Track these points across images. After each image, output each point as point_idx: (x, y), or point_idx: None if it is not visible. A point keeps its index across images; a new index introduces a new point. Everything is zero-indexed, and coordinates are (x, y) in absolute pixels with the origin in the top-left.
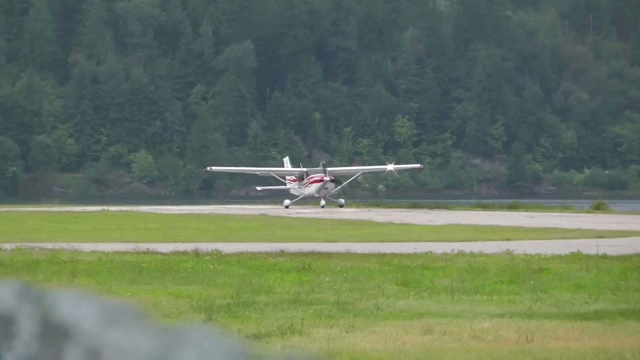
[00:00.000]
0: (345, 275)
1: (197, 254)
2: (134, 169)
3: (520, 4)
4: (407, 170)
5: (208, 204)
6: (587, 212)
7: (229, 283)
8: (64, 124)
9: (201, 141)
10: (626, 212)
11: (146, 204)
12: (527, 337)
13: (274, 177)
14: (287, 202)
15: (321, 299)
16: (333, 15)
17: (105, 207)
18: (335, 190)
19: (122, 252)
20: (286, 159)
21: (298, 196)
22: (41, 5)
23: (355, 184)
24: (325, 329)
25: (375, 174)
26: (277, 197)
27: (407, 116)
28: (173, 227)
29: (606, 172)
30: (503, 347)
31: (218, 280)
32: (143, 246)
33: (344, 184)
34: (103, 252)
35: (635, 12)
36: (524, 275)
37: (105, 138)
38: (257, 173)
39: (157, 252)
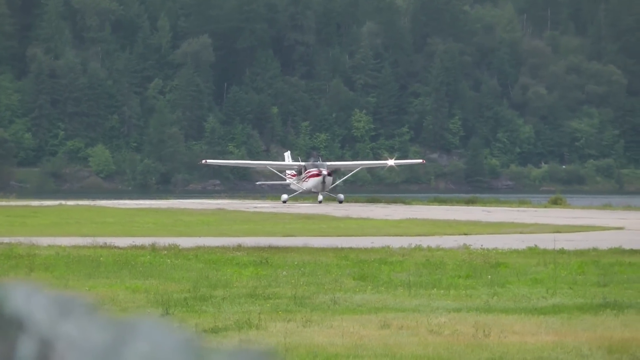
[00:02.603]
0: (302, 269)
1: (154, 248)
2: (91, 164)
3: None
4: (407, 165)
5: (166, 198)
6: (545, 206)
7: (186, 277)
8: (21, 118)
9: (159, 135)
10: (583, 207)
11: (104, 198)
12: (484, 331)
13: (272, 171)
14: (284, 197)
15: (278, 293)
16: (291, 10)
17: (63, 202)
18: (334, 185)
19: (80, 247)
20: (287, 154)
21: (297, 191)
22: None
23: None
24: (283, 323)
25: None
26: (277, 192)
27: (364, 111)
28: (130, 221)
29: (564, 167)
30: (460, 342)
31: (175, 274)
32: (100, 240)
33: (344, 179)
34: (60, 247)
35: (593, 7)
36: (481, 270)
37: (62, 132)
38: (254, 167)
39: (115, 247)
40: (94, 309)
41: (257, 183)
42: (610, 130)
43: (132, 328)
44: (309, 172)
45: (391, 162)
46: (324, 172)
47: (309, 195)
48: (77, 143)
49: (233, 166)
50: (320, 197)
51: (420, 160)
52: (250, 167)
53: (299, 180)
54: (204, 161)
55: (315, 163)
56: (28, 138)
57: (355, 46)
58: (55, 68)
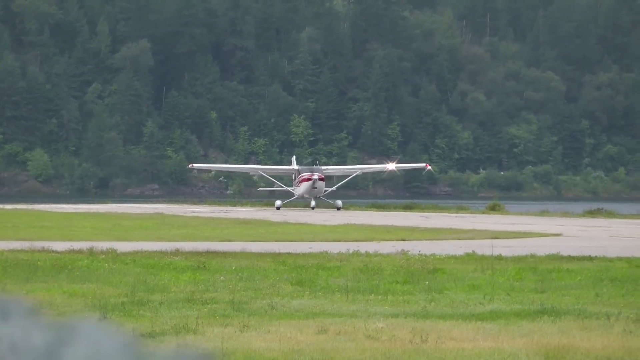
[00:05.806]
0: (240, 274)
1: (92, 252)
2: (30, 168)
3: (417, 5)
4: (410, 169)
5: (104, 202)
6: (483, 212)
7: (123, 282)
8: None
9: (97, 140)
10: (521, 213)
11: (42, 202)
12: (421, 337)
13: (264, 175)
14: (278, 202)
15: (216, 298)
16: (230, 15)
17: (0, 206)
18: (329, 191)
19: (17, 251)
20: (293, 159)
21: (293, 197)
22: None
23: (251, 184)
24: (220, 328)
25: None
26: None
27: (303, 116)
28: (68, 225)
29: (502, 173)
30: (397, 347)
31: (113, 279)
32: (38, 244)
33: (340, 184)
34: None
35: (532, 13)
36: (418, 276)
37: (0, 136)
38: (250, 172)
39: (52, 251)
40: (34, 311)
41: (259, 189)
42: (549, 136)
43: (72, 330)
44: (301, 176)
45: (392, 166)
46: (315, 176)
47: (303, 201)
48: (15, 147)
49: (221, 170)
50: (313, 203)
51: (424, 165)
52: (189, 171)
53: (294, 185)
54: (191, 165)
55: (310, 167)
56: None
57: (294, 51)
58: None
